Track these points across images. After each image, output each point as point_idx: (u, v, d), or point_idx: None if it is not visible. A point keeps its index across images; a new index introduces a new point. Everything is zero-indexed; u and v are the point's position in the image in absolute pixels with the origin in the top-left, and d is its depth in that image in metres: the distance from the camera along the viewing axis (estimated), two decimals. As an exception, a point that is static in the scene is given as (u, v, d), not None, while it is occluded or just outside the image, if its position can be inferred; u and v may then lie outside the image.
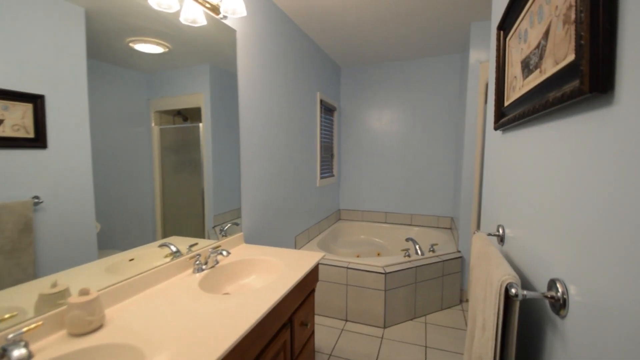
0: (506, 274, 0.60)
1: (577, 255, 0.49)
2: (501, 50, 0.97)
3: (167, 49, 1.28)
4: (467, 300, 2.58)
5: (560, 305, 0.52)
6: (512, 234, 0.89)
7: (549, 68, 0.60)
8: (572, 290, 0.50)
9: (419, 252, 2.46)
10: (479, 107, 2.46)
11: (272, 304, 1.04)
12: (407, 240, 2.64)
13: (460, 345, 2.00)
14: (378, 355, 1.90)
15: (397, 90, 3.37)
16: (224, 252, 1.36)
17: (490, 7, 2.18)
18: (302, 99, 2.57)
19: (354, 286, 2.25)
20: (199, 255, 1.38)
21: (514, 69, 0.87)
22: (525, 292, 0.54)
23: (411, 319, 2.31)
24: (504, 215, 0.95)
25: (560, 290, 0.52)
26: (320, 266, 2.34)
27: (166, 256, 1.31)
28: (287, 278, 1.26)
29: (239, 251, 1.62)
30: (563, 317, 0.52)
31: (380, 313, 2.19)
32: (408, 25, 2.45)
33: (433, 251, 2.52)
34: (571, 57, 0.49)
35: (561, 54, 0.54)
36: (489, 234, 0.96)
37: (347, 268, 2.26)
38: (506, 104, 0.93)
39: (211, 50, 1.52)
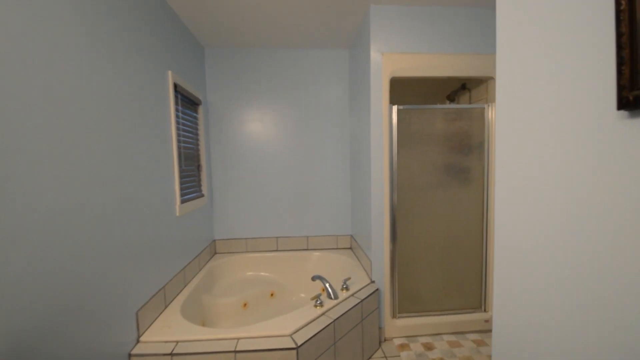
0: None
1: None
2: None
3: None
4: (385, 340, 2.13)
5: None
6: None
7: None
8: None
9: (332, 294, 1.83)
10: (384, 107, 2.07)
11: None
12: (313, 279, 1.98)
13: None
14: None
15: (282, 85, 2.71)
16: None
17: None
18: (138, 74, 1.53)
19: (248, 379, 1.40)
20: None
21: None
22: None
23: (332, 397, 1.64)
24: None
25: None
26: (188, 358, 1.37)
27: None
28: None
29: None
30: None
31: (291, 409, 1.43)
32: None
33: (347, 289, 1.94)
34: None
35: None
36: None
37: (235, 352, 1.39)
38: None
39: None
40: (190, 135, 2.25)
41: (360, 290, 1.97)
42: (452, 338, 2.15)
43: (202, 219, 2.44)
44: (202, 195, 2.41)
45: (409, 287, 2.22)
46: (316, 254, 2.72)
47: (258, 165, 2.73)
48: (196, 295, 2.02)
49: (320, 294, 1.77)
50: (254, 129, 2.72)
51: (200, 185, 2.43)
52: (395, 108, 2.09)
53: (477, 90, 2.34)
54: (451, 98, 2.54)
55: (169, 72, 1.88)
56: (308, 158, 2.76)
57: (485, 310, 2.26)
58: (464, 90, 2.44)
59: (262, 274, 2.64)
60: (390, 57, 2.03)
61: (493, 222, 2.21)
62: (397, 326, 2.15)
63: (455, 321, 2.20)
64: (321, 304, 1.72)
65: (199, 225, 2.34)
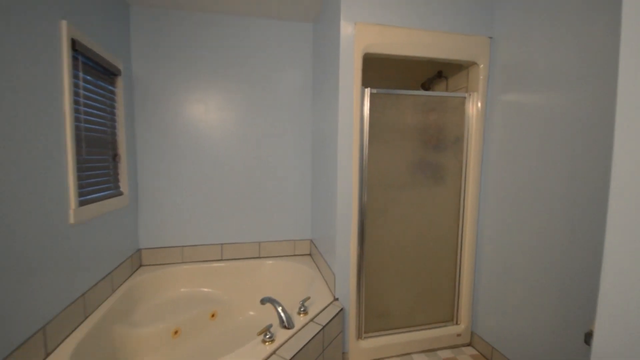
0: None
1: None
2: None
3: None
4: (350, 367, 1.81)
5: None
6: None
7: None
8: None
9: (286, 322, 1.45)
10: (355, 89, 1.72)
11: None
12: (262, 302, 1.57)
13: None
14: None
15: (230, 61, 2.23)
16: None
17: None
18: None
19: None
20: None
21: None
22: None
23: None
24: None
25: None
26: None
27: None
28: None
29: None
30: None
31: None
32: None
33: (305, 312, 1.57)
34: None
35: None
36: None
37: None
38: None
39: None
40: (101, 114, 1.69)
41: (321, 312, 1.62)
42: (423, 358, 1.90)
43: (120, 224, 1.89)
44: (121, 194, 1.87)
45: (376, 300, 1.91)
46: (269, 262, 2.31)
47: (199, 156, 2.22)
48: (103, 327, 1.50)
49: (270, 325, 1.37)
50: (195, 112, 2.21)
51: (117, 181, 1.87)
52: (368, 91, 1.75)
53: (455, 78, 2.09)
54: (426, 87, 2.27)
55: (63, 23, 1.32)
56: (261, 150, 2.32)
57: (457, 323, 2.04)
58: (440, 78, 2.18)
59: (202, 289, 2.17)
60: (364, 28, 1.67)
61: (469, 225, 2.00)
62: (362, 349, 1.84)
63: (426, 338, 1.95)
64: (272, 339, 1.32)
65: (113, 233, 1.80)
